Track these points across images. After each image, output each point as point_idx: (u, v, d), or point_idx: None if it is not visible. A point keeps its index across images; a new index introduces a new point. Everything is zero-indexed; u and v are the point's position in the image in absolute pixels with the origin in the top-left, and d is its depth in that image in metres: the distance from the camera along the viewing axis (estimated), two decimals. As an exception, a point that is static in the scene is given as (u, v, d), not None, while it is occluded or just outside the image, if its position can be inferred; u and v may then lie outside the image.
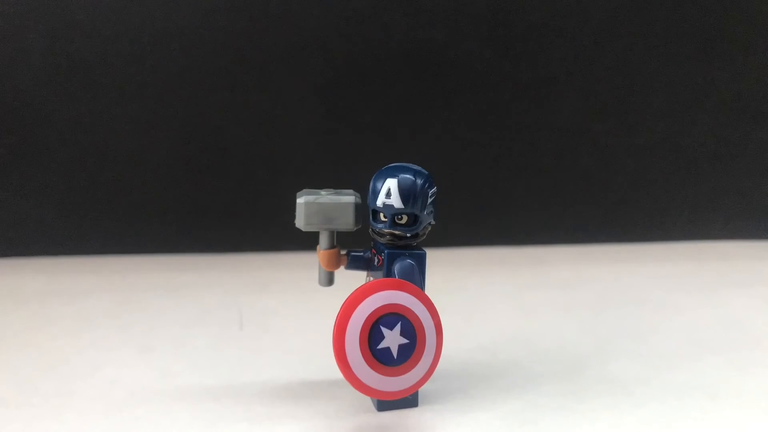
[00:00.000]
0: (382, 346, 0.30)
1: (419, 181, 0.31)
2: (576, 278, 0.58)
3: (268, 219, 0.62)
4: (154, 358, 0.40)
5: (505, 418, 0.32)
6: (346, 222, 0.32)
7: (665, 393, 0.35)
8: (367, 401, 0.34)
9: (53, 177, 0.60)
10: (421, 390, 0.33)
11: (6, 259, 0.61)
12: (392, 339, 0.30)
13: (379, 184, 0.32)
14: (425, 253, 0.33)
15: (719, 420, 0.33)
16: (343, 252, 0.34)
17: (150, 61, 0.59)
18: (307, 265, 0.41)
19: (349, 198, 0.32)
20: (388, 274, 0.32)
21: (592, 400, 0.34)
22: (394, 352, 0.30)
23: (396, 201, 0.31)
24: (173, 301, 0.50)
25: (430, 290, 0.32)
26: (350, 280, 0.34)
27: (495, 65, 0.64)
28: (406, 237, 0.32)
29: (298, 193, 0.33)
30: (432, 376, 0.32)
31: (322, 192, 0.33)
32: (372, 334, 0.30)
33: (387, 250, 0.32)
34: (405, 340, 0.30)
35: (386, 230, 0.32)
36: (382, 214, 0.32)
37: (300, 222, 0.32)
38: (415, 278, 0.32)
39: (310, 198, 0.32)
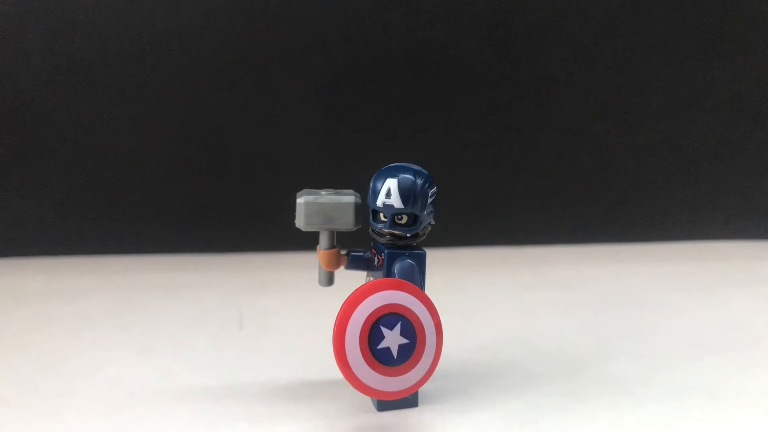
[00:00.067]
0: (382, 346, 0.30)
1: (419, 181, 0.31)
2: (576, 278, 0.58)
3: (268, 219, 0.62)
4: (154, 358, 0.40)
5: (505, 418, 0.32)
6: (346, 222, 0.32)
7: (665, 393, 0.35)
8: (367, 401, 0.34)
9: (53, 177, 0.60)
10: (421, 390, 0.33)
11: (6, 259, 0.61)
12: (392, 339, 0.30)
13: (379, 184, 0.32)
14: (425, 253, 0.33)
15: (719, 420, 0.33)
16: (343, 252, 0.34)
17: (150, 61, 0.59)
18: (307, 265, 0.41)
19: (349, 198, 0.32)
20: (388, 274, 0.32)
21: (592, 400, 0.34)
22: (394, 352, 0.30)
23: (396, 201, 0.31)
24: (173, 301, 0.50)
25: (430, 290, 0.32)
26: (350, 280, 0.34)
27: (495, 65, 0.64)
28: (406, 237, 0.32)
29: (298, 193, 0.33)
30: (432, 376, 0.32)
31: (322, 192, 0.33)
32: (372, 334, 0.30)
33: (387, 250, 0.32)
34: (405, 340, 0.30)
35: (386, 230, 0.32)
36: (382, 214, 0.32)
37: (300, 222, 0.32)
38: (415, 278, 0.32)
39: (310, 198, 0.32)
